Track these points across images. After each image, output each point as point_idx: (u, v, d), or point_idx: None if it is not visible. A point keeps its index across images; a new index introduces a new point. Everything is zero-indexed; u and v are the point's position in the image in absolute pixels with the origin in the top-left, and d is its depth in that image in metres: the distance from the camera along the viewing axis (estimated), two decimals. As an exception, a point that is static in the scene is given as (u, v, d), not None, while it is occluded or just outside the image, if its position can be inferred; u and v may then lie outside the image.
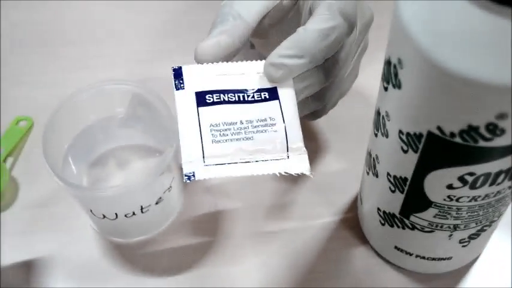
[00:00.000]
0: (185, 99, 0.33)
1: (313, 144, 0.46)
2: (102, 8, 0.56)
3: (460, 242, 0.35)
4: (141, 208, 0.38)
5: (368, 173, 0.36)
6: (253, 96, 0.33)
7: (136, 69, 0.51)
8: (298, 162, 0.32)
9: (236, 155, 0.32)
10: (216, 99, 0.33)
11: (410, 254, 0.37)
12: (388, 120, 0.31)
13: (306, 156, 0.32)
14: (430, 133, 0.28)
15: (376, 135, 0.33)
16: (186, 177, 0.31)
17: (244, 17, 0.35)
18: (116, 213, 0.38)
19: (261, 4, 0.36)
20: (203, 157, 0.31)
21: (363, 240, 0.41)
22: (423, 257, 0.37)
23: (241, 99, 0.33)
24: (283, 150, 0.32)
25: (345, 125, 0.46)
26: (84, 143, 0.42)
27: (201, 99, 0.33)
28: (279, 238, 0.42)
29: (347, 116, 0.46)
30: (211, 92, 0.33)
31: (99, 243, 0.42)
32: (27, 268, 0.41)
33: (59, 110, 0.39)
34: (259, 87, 0.34)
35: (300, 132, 0.33)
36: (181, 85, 0.33)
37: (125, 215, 0.38)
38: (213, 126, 0.32)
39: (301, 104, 0.35)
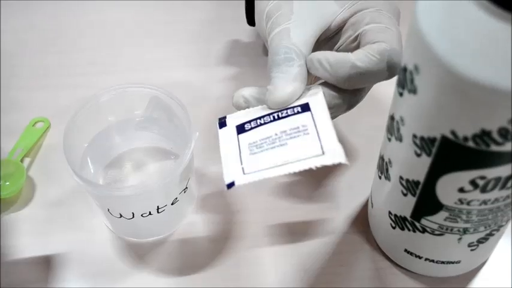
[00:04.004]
0: (227, 132, 0.36)
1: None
2: (121, 12, 0.58)
3: (469, 245, 0.36)
4: (157, 208, 0.39)
5: (380, 177, 0.37)
6: (287, 112, 0.35)
7: (154, 74, 0.52)
8: (334, 155, 0.32)
9: (272, 160, 0.33)
10: (254, 125, 0.35)
11: (420, 257, 0.38)
12: (403, 125, 0.32)
13: (341, 149, 0.32)
14: (443, 137, 0.29)
15: (389, 139, 0.34)
16: (228, 186, 0.33)
17: (305, 52, 0.37)
18: (132, 213, 0.39)
19: (315, 31, 0.38)
20: (242, 168, 0.33)
21: (373, 243, 0.42)
22: (432, 260, 0.38)
23: (276, 117, 0.35)
24: (317, 149, 0.33)
25: (356, 129, 0.47)
26: (102, 144, 0.43)
27: (241, 128, 0.36)
28: (290, 241, 0.42)
29: (358, 120, 0.47)
30: (250, 121, 0.36)
31: (114, 243, 0.42)
32: (43, 266, 0.41)
33: (80, 110, 0.39)
34: (293, 105, 0.36)
35: (335, 136, 0.33)
36: (224, 125, 0.36)
37: (142, 215, 0.39)
38: (251, 144, 0.35)
39: None
